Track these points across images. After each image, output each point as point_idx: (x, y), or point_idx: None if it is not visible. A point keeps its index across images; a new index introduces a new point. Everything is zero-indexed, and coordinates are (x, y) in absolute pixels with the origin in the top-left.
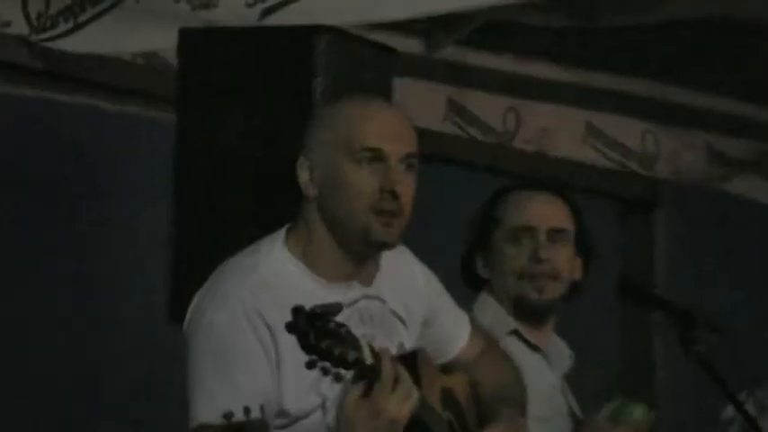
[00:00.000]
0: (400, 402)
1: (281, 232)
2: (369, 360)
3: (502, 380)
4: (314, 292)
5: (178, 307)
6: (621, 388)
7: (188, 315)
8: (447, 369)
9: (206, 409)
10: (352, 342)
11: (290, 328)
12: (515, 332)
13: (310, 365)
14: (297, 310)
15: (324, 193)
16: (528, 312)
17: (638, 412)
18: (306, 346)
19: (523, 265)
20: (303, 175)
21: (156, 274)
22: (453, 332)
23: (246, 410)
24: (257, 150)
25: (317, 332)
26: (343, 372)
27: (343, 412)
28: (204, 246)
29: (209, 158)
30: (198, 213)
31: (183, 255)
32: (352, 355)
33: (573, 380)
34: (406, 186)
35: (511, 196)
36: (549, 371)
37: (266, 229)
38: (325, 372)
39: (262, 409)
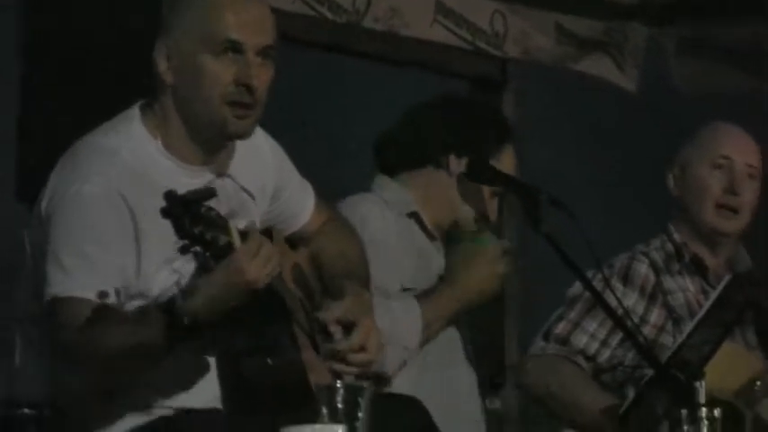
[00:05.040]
0: (260, 265)
1: (135, 111)
2: (237, 243)
3: (344, 251)
4: (173, 173)
5: (25, 188)
6: None
7: (48, 192)
8: (291, 241)
9: (60, 284)
10: (223, 226)
11: (165, 213)
12: (414, 215)
13: (184, 250)
14: (171, 197)
15: (180, 82)
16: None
17: (485, 240)
18: (180, 232)
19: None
20: (161, 62)
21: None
22: (299, 204)
23: (102, 294)
24: (108, 32)
25: (192, 217)
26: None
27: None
28: (54, 127)
29: (59, 39)
30: (47, 94)
31: (31, 137)
32: (223, 240)
33: None
34: (263, 78)
35: None
36: (441, 260)
37: (117, 110)
38: (196, 256)
39: (117, 293)
